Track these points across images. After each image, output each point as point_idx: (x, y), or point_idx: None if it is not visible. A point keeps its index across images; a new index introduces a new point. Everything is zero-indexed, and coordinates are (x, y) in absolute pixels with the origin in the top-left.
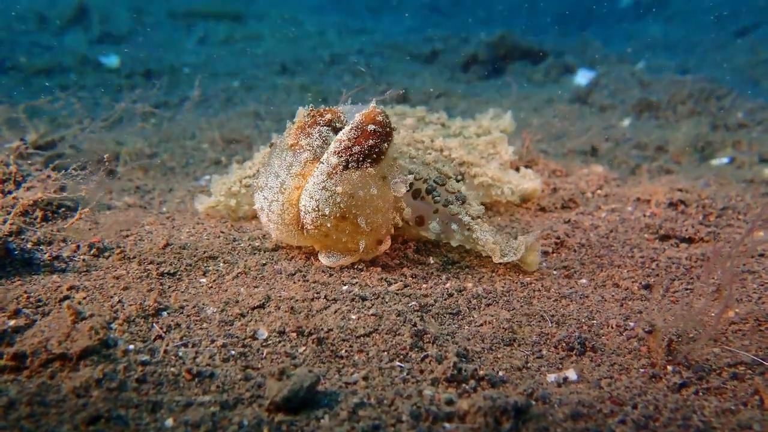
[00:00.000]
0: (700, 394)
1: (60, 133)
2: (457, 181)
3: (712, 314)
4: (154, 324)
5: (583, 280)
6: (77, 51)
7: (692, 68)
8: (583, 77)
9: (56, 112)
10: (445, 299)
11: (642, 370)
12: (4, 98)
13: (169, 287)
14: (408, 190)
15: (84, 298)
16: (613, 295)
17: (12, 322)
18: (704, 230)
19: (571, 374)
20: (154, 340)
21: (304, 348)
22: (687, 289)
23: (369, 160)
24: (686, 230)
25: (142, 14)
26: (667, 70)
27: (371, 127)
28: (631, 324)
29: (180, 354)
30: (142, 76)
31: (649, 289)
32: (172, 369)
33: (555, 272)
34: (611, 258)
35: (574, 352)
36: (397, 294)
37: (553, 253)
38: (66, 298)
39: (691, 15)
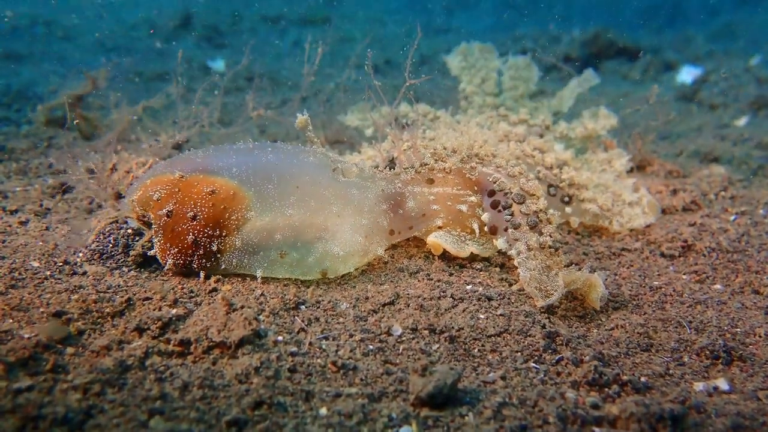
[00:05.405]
0: None
1: (185, 134)
2: (565, 201)
3: None
4: (295, 317)
5: (718, 286)
6: (186, 56)
7: None
8: (687, 74)
9: (166, 115)
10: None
11: None
12: (133, 103)
13: (303, 282)
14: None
15: (229, 290)
16: (754, 303)
17: (173, 311)
18: None
19: (723, 384)
20: (298, 332)
21: (437, 345)
22: None
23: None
24: None
25: (239, 19)
26: None
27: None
28: None
29: (323, 346)
30: (246, 79)
31: None
32: (318, 360)
33: (685, 276)
34: (747, 263)
35: (719, 361)
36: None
37: (680, 257)
38: (214, 290)
39: None
